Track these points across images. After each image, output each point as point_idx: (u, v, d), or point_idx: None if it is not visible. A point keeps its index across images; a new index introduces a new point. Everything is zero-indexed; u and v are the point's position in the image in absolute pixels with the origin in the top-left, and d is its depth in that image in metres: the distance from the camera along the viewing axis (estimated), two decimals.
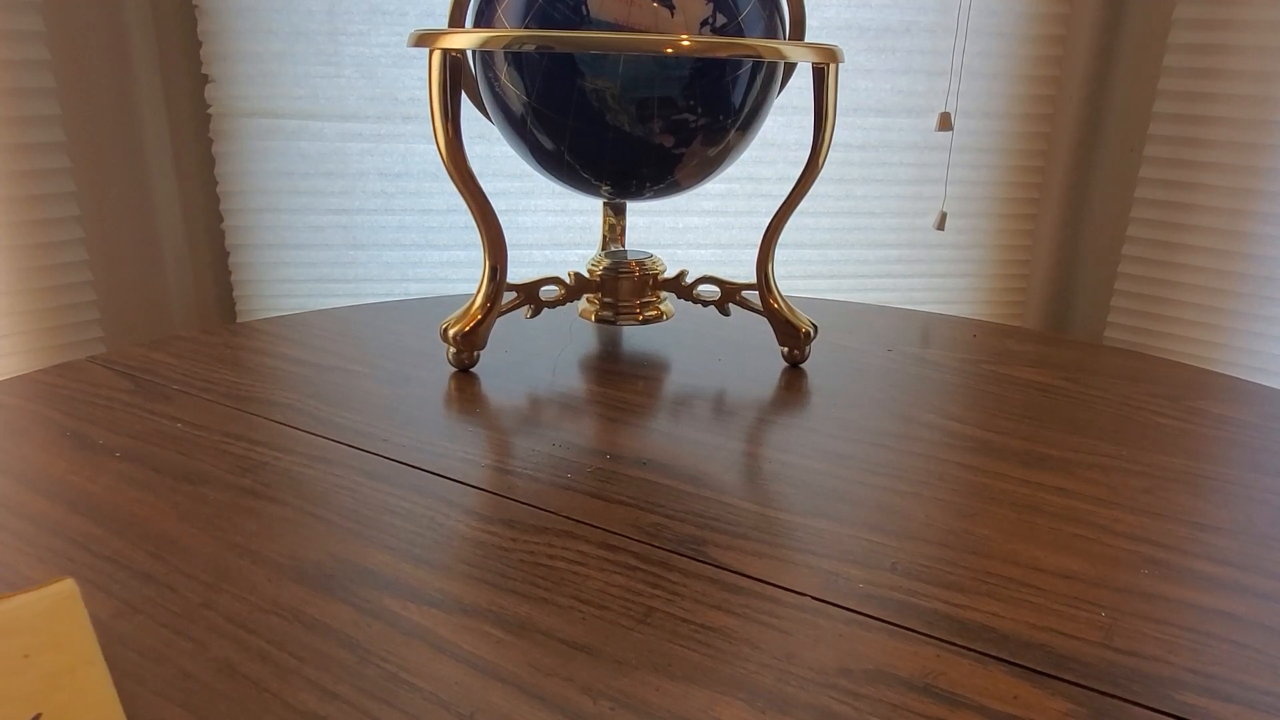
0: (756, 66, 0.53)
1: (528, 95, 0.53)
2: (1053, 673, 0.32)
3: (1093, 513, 0.43)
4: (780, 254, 1.16)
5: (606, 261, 0.64)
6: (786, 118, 1.11)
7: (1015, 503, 0.44)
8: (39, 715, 0.25)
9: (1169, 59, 1.07)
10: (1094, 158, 1.17)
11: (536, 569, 0.37)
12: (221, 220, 1.09)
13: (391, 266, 1.11)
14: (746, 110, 0.54)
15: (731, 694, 0.30)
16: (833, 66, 0.55)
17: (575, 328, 0.70)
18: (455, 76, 0.53)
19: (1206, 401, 0.58)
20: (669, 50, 0.47)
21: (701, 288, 0.65)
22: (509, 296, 0.61)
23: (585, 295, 0.65)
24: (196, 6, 1.01)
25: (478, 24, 0.54)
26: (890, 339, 0.69)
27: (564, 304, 0.63)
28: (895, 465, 0.48)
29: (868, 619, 0.35)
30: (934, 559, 0.39)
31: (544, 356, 0.63)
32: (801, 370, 0.62)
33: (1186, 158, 1.08)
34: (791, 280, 1.18)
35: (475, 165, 1.02)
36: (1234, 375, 0.63)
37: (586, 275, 0.64)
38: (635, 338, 0.68)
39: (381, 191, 1.08)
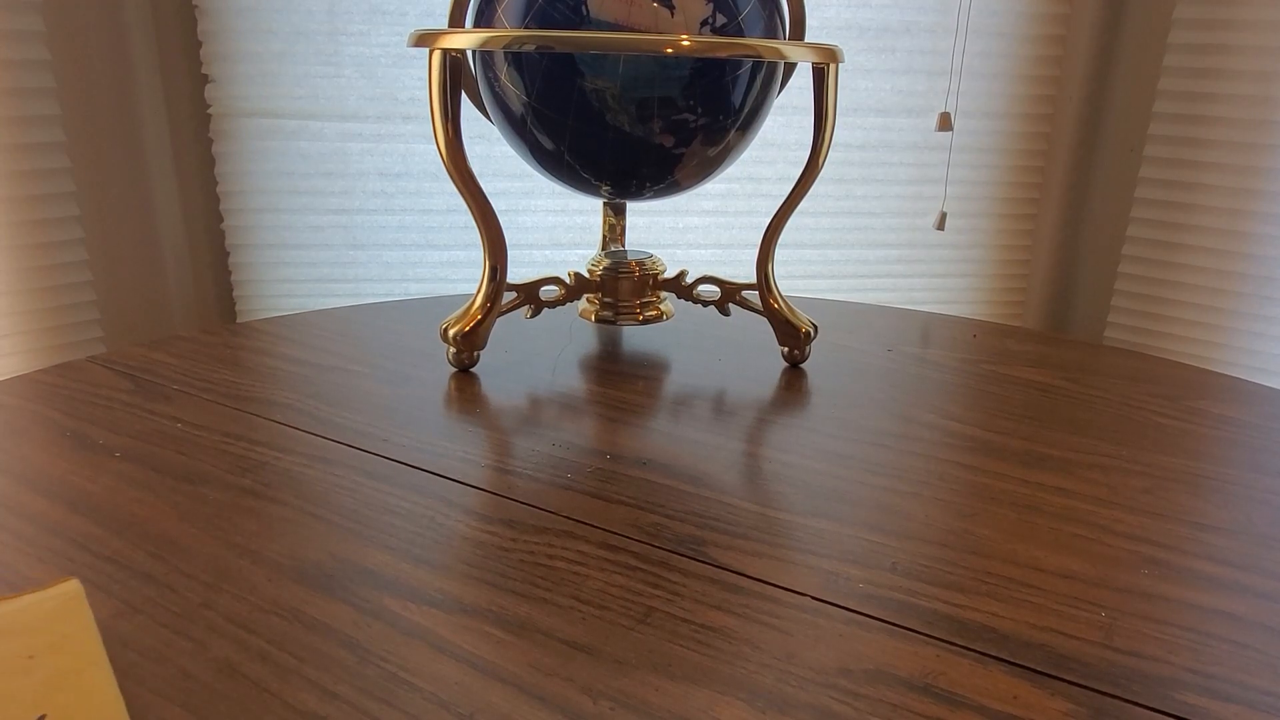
0: (756, 66, 0.53)
1: (528, 95, 0.53)
2: (1053, 673, 0.32)
3: (1093, 513, 0.43)
4: (780, 254, 1.16)
5: (606, 261, 0.64)
6: (786, 118, 1.11)
7: (1015, 503, 0.44)
8: (43, 717, 0.25)
9: (1169, 59, 1.07)
10: (1094, 158, 1.17)
11: (536, 569, 0.37)
12: (221, 220, 1.09)
13: (391, 266, 1.11)
14: (746, 110, 0.54)
15: (731, 694, 0.30)
16: (833, 66, 0.55)
17: (575, 328, 0.70)
18: (455, 76, 0.53)
19: (1206, 401, 0.58)
20: (669, 50, 0.47)
21: (701, 288, 0.65)
22: (509, 296, 0.61)
23: (585, 295, 0.65)
24: (196, 6, 1.01)
25: (478, 24, 0.54)
26: (890, 339, 0.69)
27: (564, 304, 0.63)
28: (895, 465, 0.48)
29: (868, 619, 0.35)
30: (934, 559, 0.39)
31: (544, 356, 0.63)
32: (801, 370, 0.62)
33: (1186, 158, 1.08)
34: (791, 280, 1.18)
35: (475, 165, 1.02)
36: (1234, 375, 0.63)
37: (586, 275, 0.64)
38: (635, 338, 0.68)
39: (381, 191, 1.08)
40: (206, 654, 0.32)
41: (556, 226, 1.12)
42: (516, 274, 0.87)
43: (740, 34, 0.52)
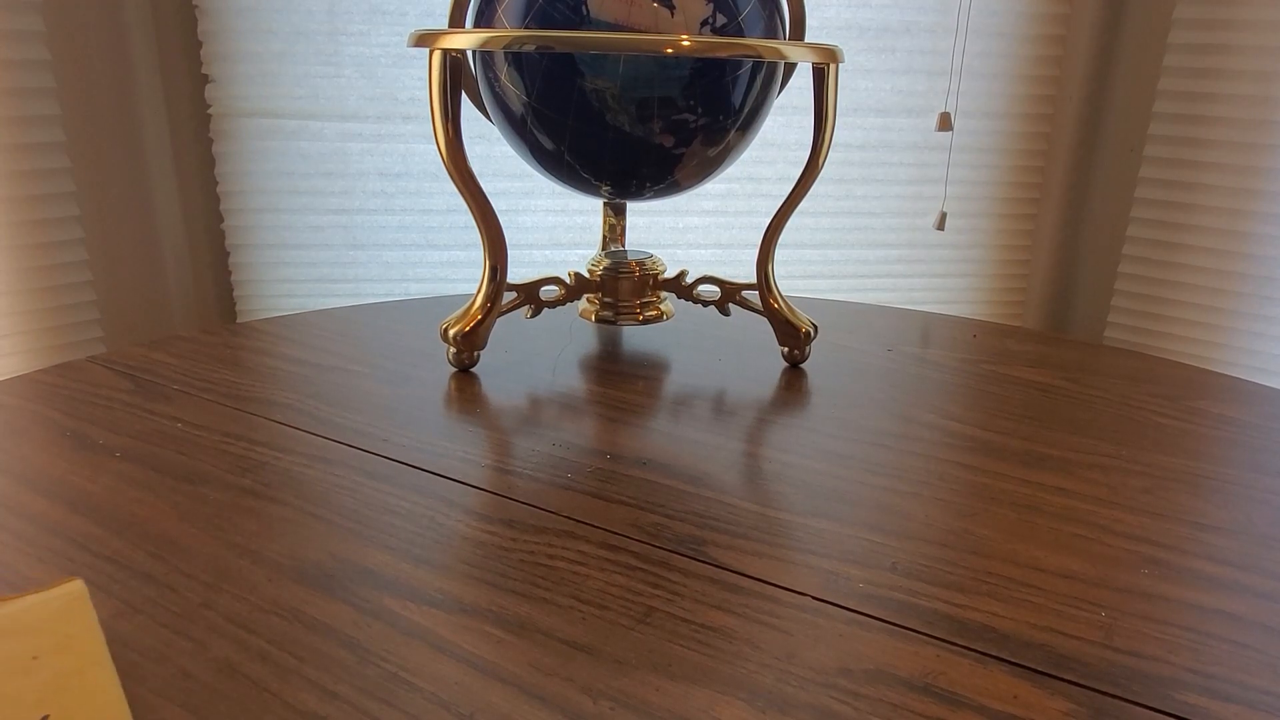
0: (756, 66, 0.53)
1: (528, 95, 0.53)
2: (1053, 673, 0.32)
3: (1093, 513, 0.43)
4: (780, 254, 1.16)
5: (606, 261, 0.64)
6: (786, 118, 1.11)
7: (1015, 503, 0.44)
8: (47, 717, 0.25)
9: (1169, 59, 1.07)
10: (1094, 158, 1.17)
11: (536, 569, 0.37)
12: (221, 220, 1.09)
13: (391, 266, 1.11)
14: (746, 110, 0.54)
15: (731, 694, 0.30)
16: (833, 66, 0.55)
17: (575, 328, 0.70)
18: (455, 76, 0.53)
19: (1206, 401, 0.58)
20: (669, 50, 0.47)
21: (701, 288, 0.65)
22: (509, 296, 0.61)
23: (585, 295, 0.65)
24: (196, 6, 1.01)
25: (478, 24, 0.54)
26: (890, 339, 0.69)
27: (564, 304, 0.63)
28: (895, 465, 0.48)
29: (868, 619, 0.35)
30: (934, 559, 0.39)
31: (544, 356, 0.63)
32: (801, 370, 0.62)
33: (1186, 158, 1.08)
34: (791, 280, 1.18)
35: (475, 165, 1.02)
36: (1234, 375, 0.63)
37: (586, 275, 0.64)
38: (635, 338, 0.68)
39: (381, 191, 1.08)
40: (207, 654, 0.32)
41: (556, 226, 1.12)
42: (516, 274, 0.87)
43: (740, 34, 0.52)
